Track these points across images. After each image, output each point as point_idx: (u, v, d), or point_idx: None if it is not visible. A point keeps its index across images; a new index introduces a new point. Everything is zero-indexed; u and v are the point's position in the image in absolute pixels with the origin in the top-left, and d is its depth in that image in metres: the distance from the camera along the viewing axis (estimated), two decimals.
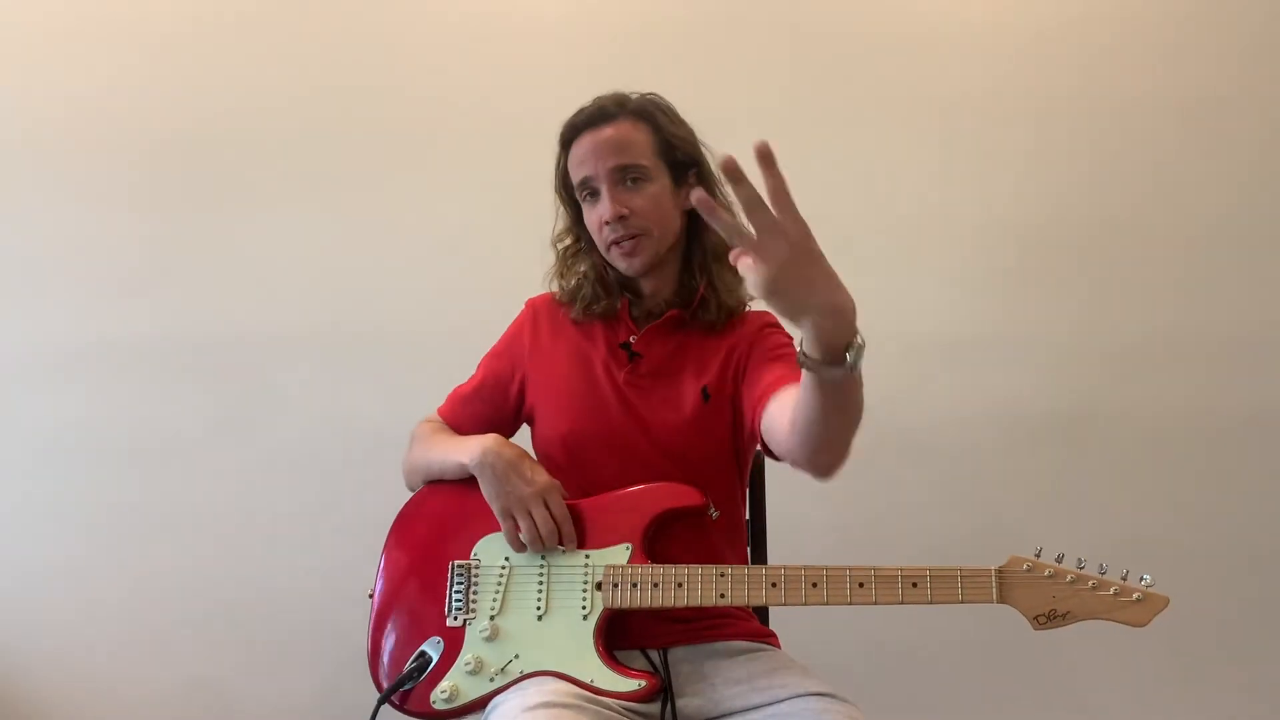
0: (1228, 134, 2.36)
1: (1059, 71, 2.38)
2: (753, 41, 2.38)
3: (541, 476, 1.39)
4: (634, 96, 1.51)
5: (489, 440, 1.41)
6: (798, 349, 1.10)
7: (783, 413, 1.28)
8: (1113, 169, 2.36)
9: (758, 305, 1.56)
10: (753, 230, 0.99)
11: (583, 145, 1.47)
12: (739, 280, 1.51)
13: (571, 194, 1.54)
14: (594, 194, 1.48)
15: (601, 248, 1.50)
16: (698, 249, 1.53)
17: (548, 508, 1.37)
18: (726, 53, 2.37)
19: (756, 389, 1.41)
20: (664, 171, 1.49)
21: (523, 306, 1.63)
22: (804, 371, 1.11)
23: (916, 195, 2.35)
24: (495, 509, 1.38)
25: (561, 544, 1.38)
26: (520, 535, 1.37)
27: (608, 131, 1.46)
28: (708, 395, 1.46)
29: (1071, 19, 2.38)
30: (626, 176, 1.46)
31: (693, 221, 1.53)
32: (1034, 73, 2.38)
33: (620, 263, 1.48)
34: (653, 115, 1.50)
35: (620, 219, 1.44)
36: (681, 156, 1.51)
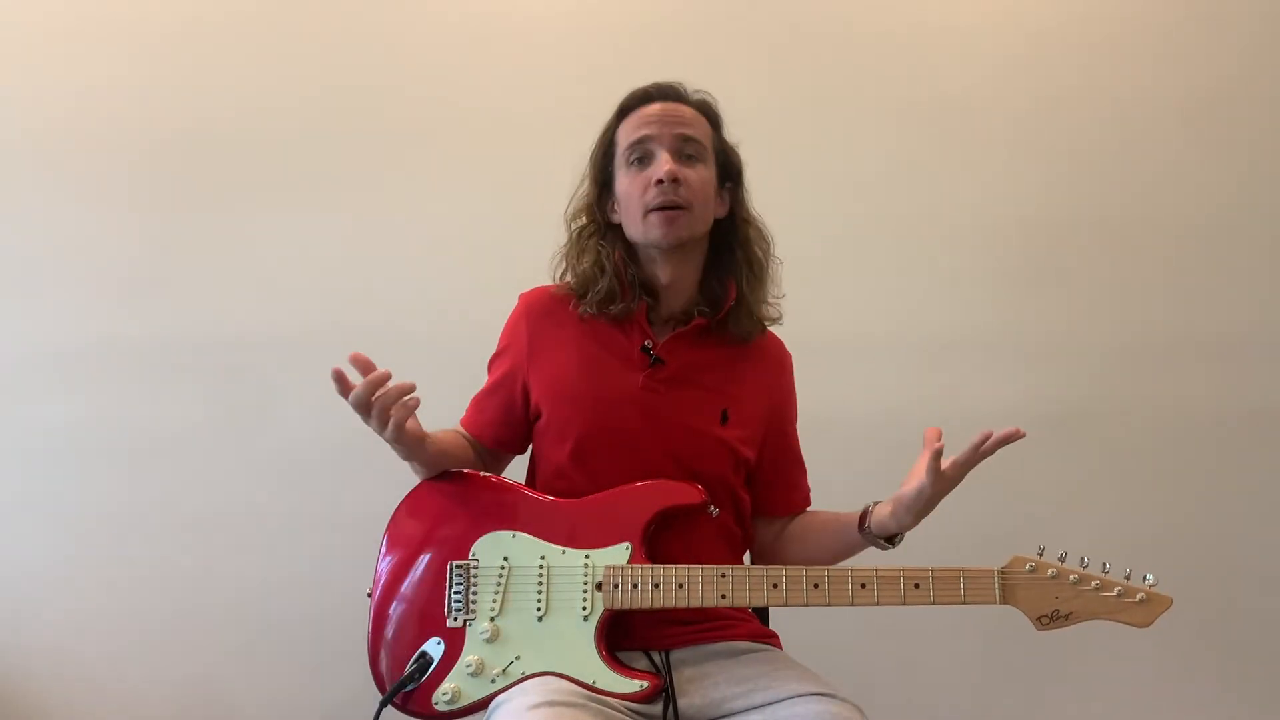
0: (1228, 134, 2.36)
1: (1058, 71, 2.38)
2: (753, 41, 2.38)
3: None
4: (701, 96, 1.54)
5: None
6: (868, 526, 1.40)
7: (788, 542, 1.54)
8: (1113, 168, 2.36)
9: (775, 328, 1.57)
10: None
11: (652, 109, 1.47)
12: (771, 295, 1.54)
13: (607, 166, 1.51)
14: (646, 157, 1.45)
15: (639, 210, 1.44)
16: (733, 257, 1.52)
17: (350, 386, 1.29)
18: (726, 52, 2.37)
19: (785, 500, 1.56)
20: (714, 166, 1.50)
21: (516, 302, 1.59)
22: (853, 531, 1.41)
23: (917, 195, 2.35)
24: (387, 439, 1.34)
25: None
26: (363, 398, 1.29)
27: (680, 106, 1.48)
28: (725, 419, 1.46)
29: (1071, 19, 2.38)
30: (688, 150, 1.46)
31: (718, 231, 1.52)
32: (1033, 73, 2.38)
33: (656, 229, 1.43)
34: (716, 117, 1.54)
35: (674, 181, 1.41)
36: (731, 164, 1.53)
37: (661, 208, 1.42)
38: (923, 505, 1.30)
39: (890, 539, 1.38)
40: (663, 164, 1.42)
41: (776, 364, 1.56)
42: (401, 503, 1.50)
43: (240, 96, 2.36)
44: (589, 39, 2.37)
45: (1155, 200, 2.36)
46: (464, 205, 2.34)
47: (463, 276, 2.30)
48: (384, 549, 1.47)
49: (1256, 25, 2.38)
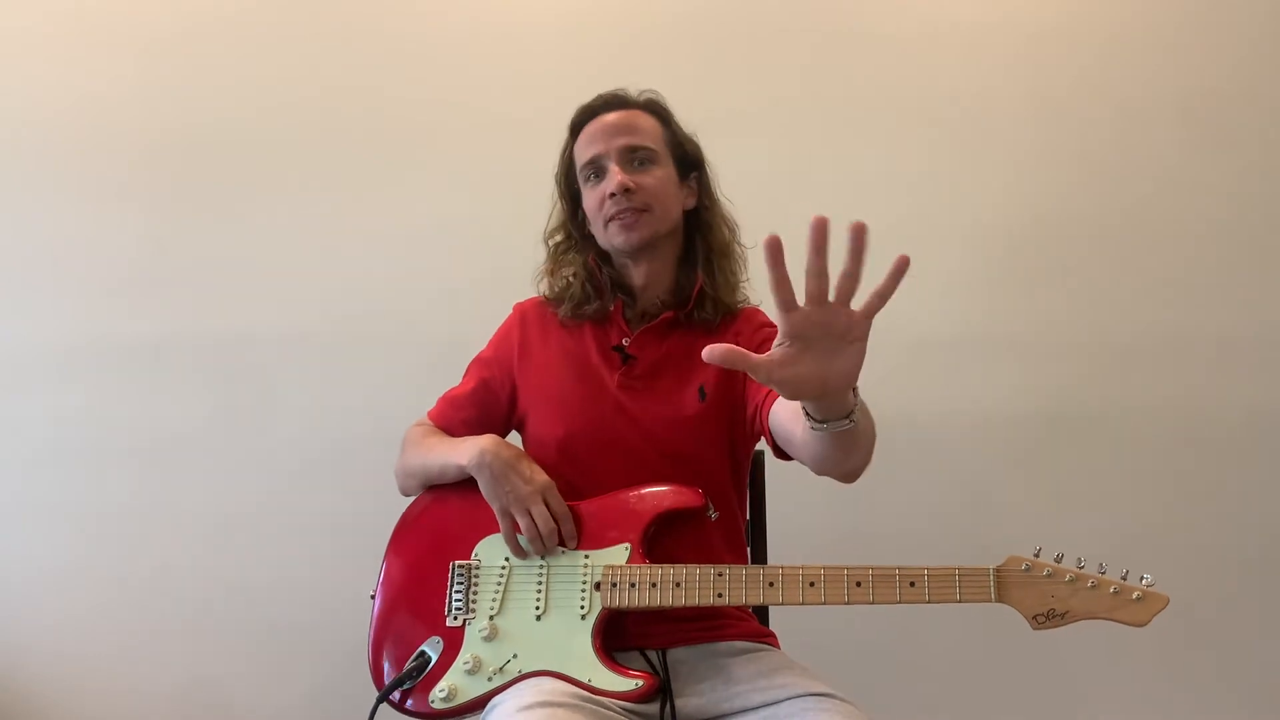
0: (1227, 134, 2.35)
1: (1055, 71, 2.37)
2: (753, 43, 2.38)
3: (540, 475, 1.39)
4: (645, 93, 1.56)
5: (486, 441, 1.41)
6: (803, 411, 1.12)
7: (794, 425, 1.25)
8: (1111, 168, 2.36)
9: (751, 304, 1.57)
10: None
11: (594, 125, 1.51)
12: (738, 278, 1.54)
13: (572, 184, 1.56)
14: (599, 173, 1.50)
15: (600, 223, 1.50)
16: (699, 247, 1.54)
17: (547, 505, 1.37)
18: (722, 54, 2.38)
19: (761, 390, 1.40)
20: (670, 162, 1.52)
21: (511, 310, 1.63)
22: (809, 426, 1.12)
23: (913, 195, 2.34)
24: (495, 509, 1.38)
25: (562, 543, 1.37)
26: (520, 535, 1.37)
27: (622, 114, 1.51)
28: (704, 394, 1.46)
29: (1069, 19, 2.38)
30: (635, 157, 1.49)
31: (691, 221, 1.55)
32: (1030, 72, 2.37)
33: (618, 237, 1.48)
34: (665, 113, 1.56)
35: (625, 191, 1.45)
36: (688, 155, 1.55)
37: (618, 215, 1.47)
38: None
39: (847, 415, 1.09)
40: (613, 176, 1.47)
41: (752, 328, 1.55)
42: (409, 506, 1.51)
43: (240, 97, 2.37)
44: (590, 40, 2.38)
45: (1154, 200, 2.35)
46: (465, 205, 2.34)
47: (463, 276, 2.30)
48: (388, 550, 1.48)
49: (1256, 25, 2.37)
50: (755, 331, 1.52)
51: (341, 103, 2.37)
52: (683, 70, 2.28)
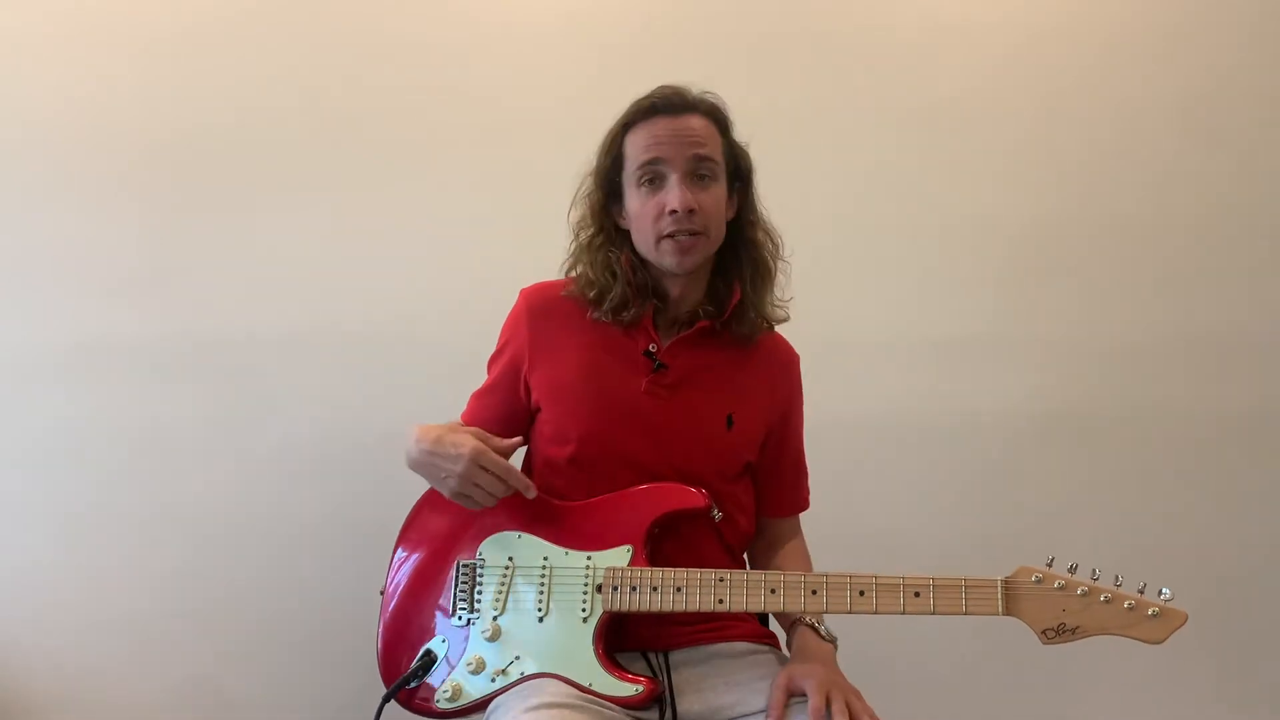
0: (1226, 133, 2.36)
1: (1055, 71, 2.37)
2: (750, 44, 2.37)
3: (465, 442, 1.31)
4: (707, 96, 1.47)
5: (411, 440, 1.37)
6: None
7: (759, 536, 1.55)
8: (1112, 168, 2.36)
9: (781, 328, 1.56)
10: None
11: (661, 125, 1.41)
12: (772, 296, 1.50)
13: (613, 176, 1.47)
14: (658, 179, 1.41)
15: (652, 237, 1.41)
16: (739, 259, 1.48)
17: (485, 469, 1.31)
18: (723, 55, 2.37)
19: (775, 501, 1.54)
20: (725, 176, 1.45)
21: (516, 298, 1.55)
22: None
23: (918, 197, 2.34)
24: (446, 496, 1.35)
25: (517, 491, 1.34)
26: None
27: (692, 121, 1.42)
28: (731, 423, 1.44)
29: (1069, 19, 2.38)
30: (701, 171, 1.41)
31: (731, 232, 1.49)
32: (1030, 72, 2.38)
33: (670, 258, 1.40)
34: (726, 122, 1.48)
35: (690, 212, 1.38)
36: (740, 168, 1.49)
37: (675, 235, 1.39)
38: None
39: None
40: (677, 193, 1.38)
41: (783, 366, 1.54)
42: (418, 501, 1.50)
43: (240, 97, 2.35)
44: (591, 40, 2.36)
45: (1155, 200, 2.35)
46: (464, 205, 2.33)
47: (463, 277, 2.29)
48: (398, 547, 1.48)
49: (1256, 25, 2.37)
50: (796, 391, 1.55)
51: (342, 103, 2.36)
52: (683, 71, 2.26)
